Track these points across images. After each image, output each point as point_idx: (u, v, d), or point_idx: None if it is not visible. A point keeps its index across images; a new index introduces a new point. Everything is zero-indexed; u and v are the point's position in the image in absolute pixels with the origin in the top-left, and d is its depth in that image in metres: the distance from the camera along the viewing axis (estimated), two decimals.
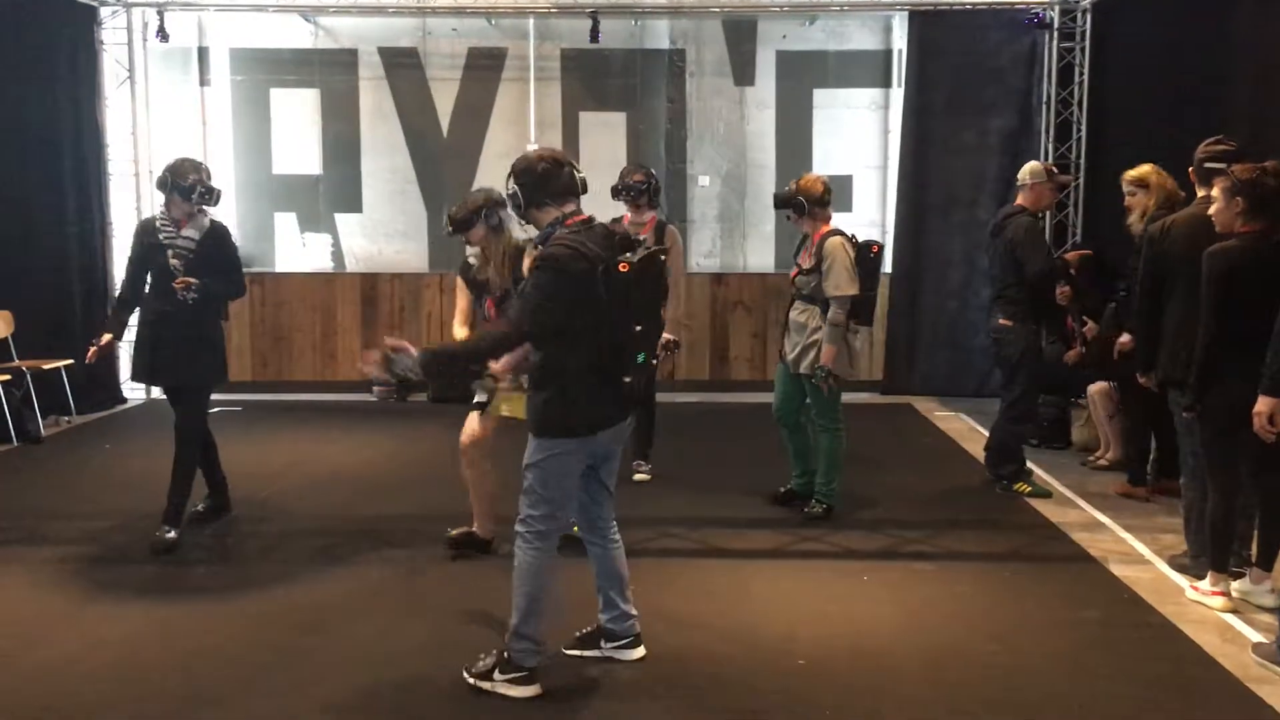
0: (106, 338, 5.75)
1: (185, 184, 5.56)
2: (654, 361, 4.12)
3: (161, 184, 5.64)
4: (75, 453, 8.00)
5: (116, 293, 5.56)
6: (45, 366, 8.44)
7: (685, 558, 5.58)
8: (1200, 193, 5.11)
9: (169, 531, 5.62)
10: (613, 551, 4.25)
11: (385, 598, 4.98)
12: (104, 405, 9.35)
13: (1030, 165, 6.74)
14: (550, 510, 3.92)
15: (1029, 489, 6.65)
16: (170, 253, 5.59)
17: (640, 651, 4.27)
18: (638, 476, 6.89)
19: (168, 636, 4.53)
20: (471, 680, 3.98)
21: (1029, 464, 6.88)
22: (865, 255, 5.96)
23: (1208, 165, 5.02)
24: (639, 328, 3.87)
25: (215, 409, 9.43)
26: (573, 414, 3.84)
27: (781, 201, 6.09)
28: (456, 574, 5.25)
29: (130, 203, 10.09)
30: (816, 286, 5.94)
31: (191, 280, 5.52)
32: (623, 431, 4.05)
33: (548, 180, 3.86)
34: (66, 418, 8.83)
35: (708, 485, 6.90)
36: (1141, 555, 5.60)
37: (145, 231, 5.71)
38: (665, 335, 6.45)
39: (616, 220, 6.62)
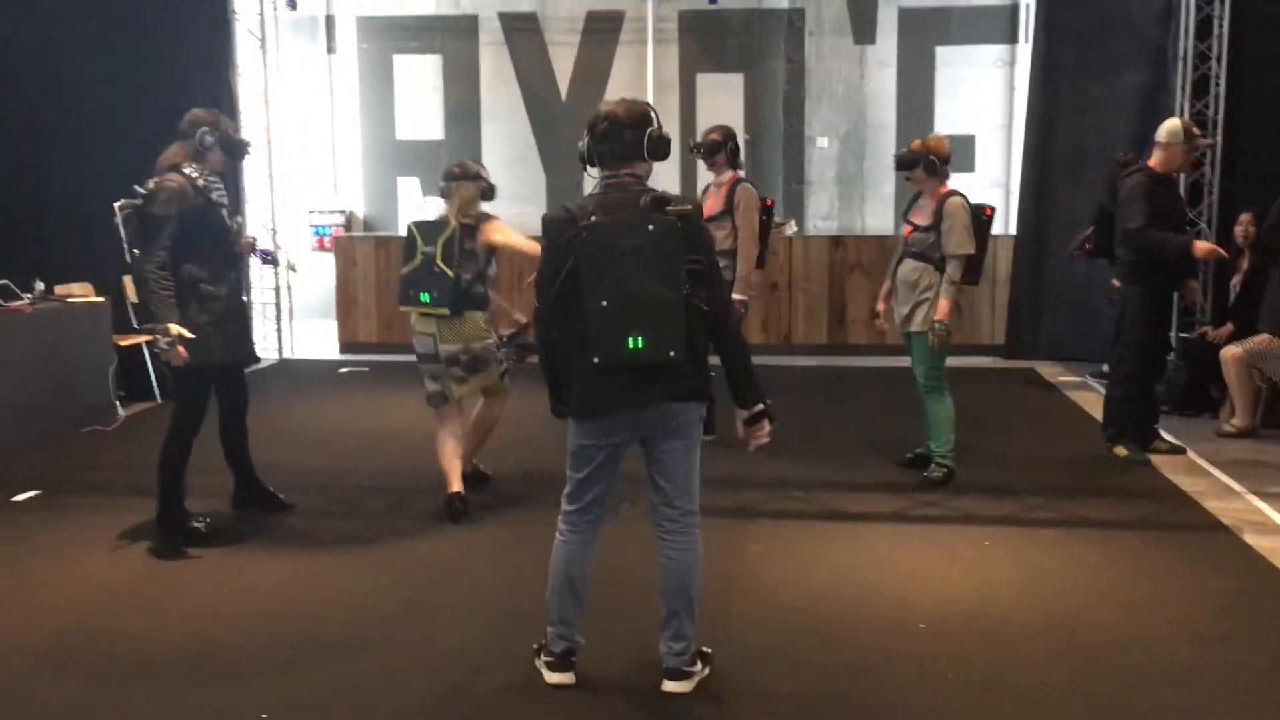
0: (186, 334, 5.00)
1: (242, 139, 5.34)
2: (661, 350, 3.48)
3: (202, 139, 5.09)
4: (213, 411, 8.32)
5: (153, 275, 4.87)
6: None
7: (804, 520, 5.60)
8: None
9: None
10: (663, 559, 3.73)
11: (509, 554, 5.11)
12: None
13: (1170, 123, 6.49)
14: (573, 493, 3.75)
15: (1126, 453, 6.49)
16: (226, 211, 5.22)
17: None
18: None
19: (302, 588, 4.72)
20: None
21: (1161, 430, 6.71)
22: (979, 216, 5.95)
23: None
24: (604, 304, 3.42)
25: (344, 369, 9.83)
26: (571, 396, 3.65)
27: (909, 162, 6.03)
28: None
29: (261, 169, 10.42)
30: (932, 244, 5.95)
31: (254, 236, 5.51)
32: (645, 419, 3.60)
33: (601, 140, 3.60)
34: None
35: (825, 449, 6.89)
36: (1277, 524, 5.42)
37: (184, 195, 4.96)
38: (735, 295, 6.49)
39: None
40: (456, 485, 5.64)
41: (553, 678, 3.79)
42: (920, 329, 5.99)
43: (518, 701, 3.72)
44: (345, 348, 10.53)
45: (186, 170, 5.03)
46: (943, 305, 5.89)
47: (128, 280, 8.43)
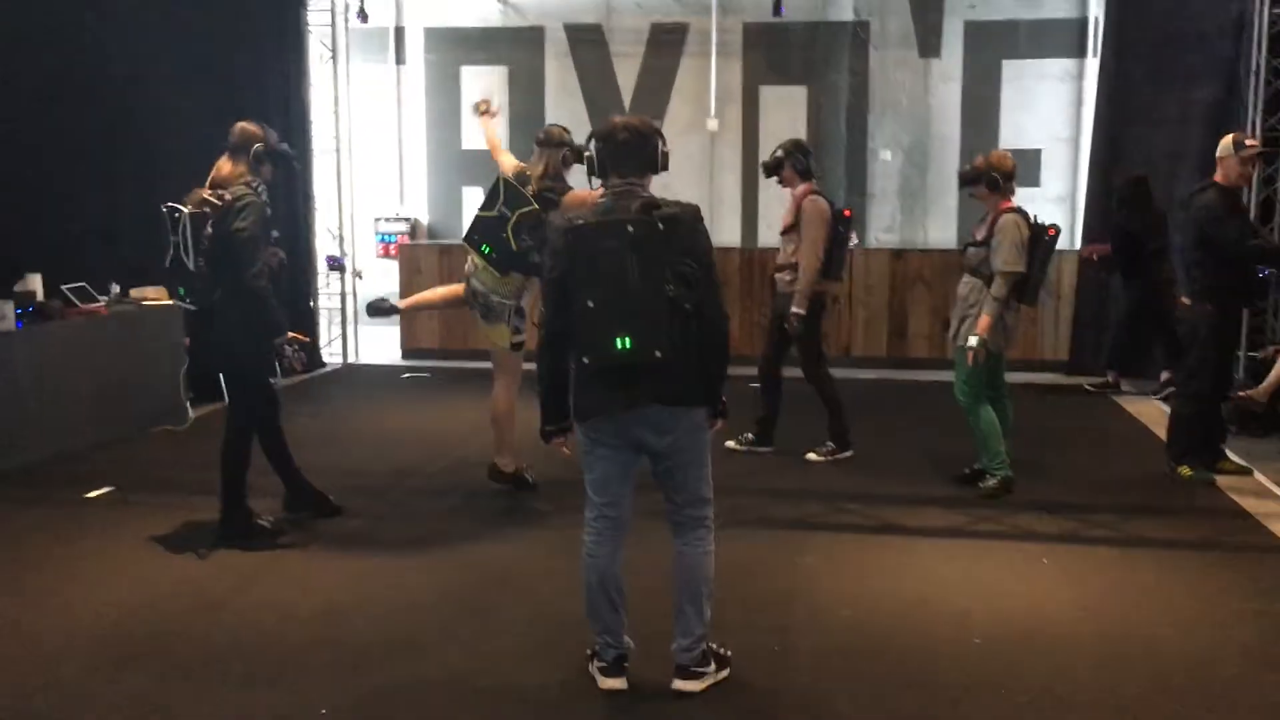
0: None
1: (276, 149, 5.35)
2: (656, 353, 3.52)
3: (258, 155, 5.23)
4: (283, 413, 8.50)
5: (266, 290, 5.15)
6: None
7: (860, 533, 5.60)
8: None
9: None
10: (675, 557, 3.83)
11: (563, 558, 5.15)
12: (306, 369, 9.91)
13: (1227, 138, 6.38)
14: (591, 499, 3.81)
15: (1191, 473, 6.37)
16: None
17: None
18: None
19: (363, 588, 4.82)
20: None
21: (1227, 451, 6.61)
22: (1041, 236, 5.91)
23: None
24: (590, 304, 3.50)
25: (406, 375, 9.97)
26: (574, 396, 3.73)
27: (970, 178, 6.04)
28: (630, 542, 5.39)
29: (330, 177, 10.61)
30: (984, 260, 5.96)
31: (280, 253, 5.61)
32: (634, 421, 3.63)
33: (621, 148, 3.68)
34: (273, 379, 9.37)
35: (883, 463, 6.87)
36: None
37: (265, 210, 5.22)
38: (793, 309, 6.51)
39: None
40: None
41: (606, 684, 3.85)
42: (961, 342, 6.01)
43: (571, 701, 3.78)
44: (408, 354, 10.68)
45: (256, 185, 5.19)
46: (983, 321, 5.87)
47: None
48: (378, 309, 6.44)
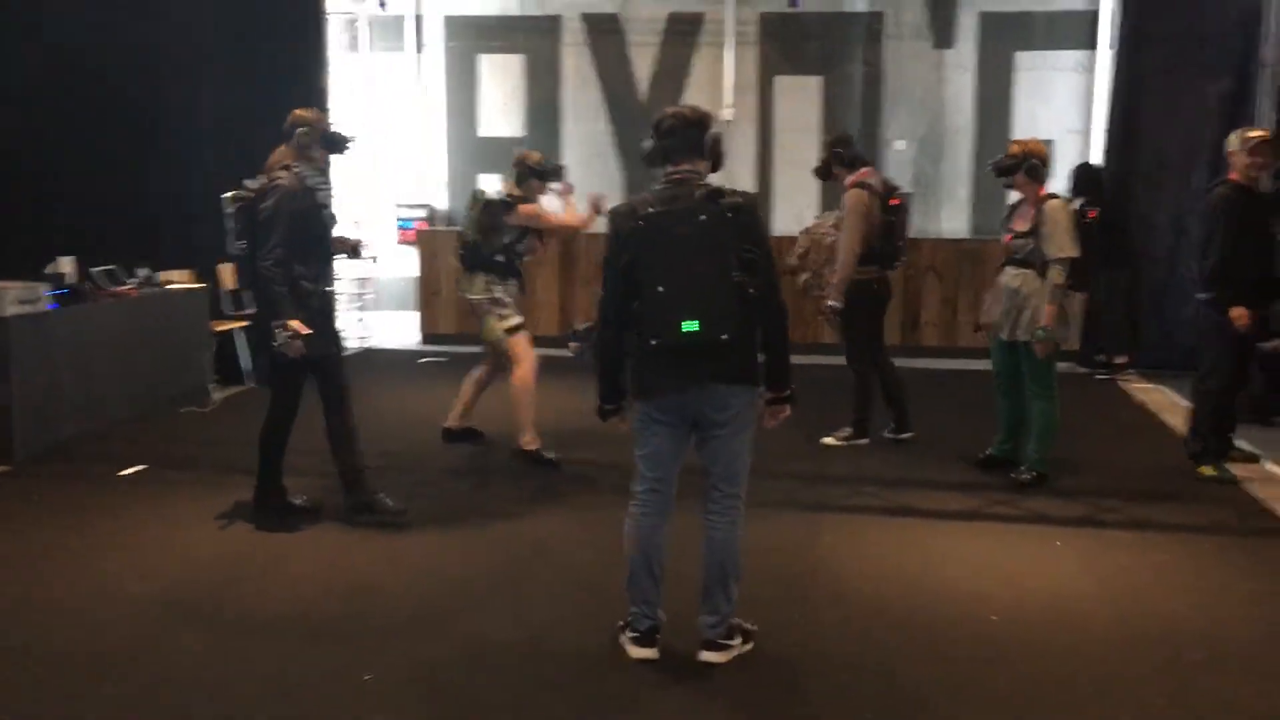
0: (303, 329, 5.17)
1: (341, 135, 5.37)
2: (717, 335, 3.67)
3: (299, 139, 5.23)
4: (303, 395, 8.63)
5: (273, 272, 5.07)
6: None
7: (877, 515, 5.72)
8: None
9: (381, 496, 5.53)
10: (706, 535, 3.97)
11: (590, 533, 5.30)
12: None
13: (1235, 133, 6.36)
14: (643, 473, 3.96)
15: (1211, 472, 6.32)
16: (328, 212, 5.42)
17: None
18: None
19: (394, 562, 4.96)
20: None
21: (1235, 439, 6.71)
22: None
23: None
24: (660, 289, 3.68)
25: (423, 359, 10.11)
26: (634, 375, 3.89)
27: (1010, 168, 5.94)
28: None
29: (349, 163, 10.71)
30: (1034, 250, 5.89)
31: (357, 238, 5.73)
32: (695, 399, 3.80)
33: (667, 136, 3.85)
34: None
35: (897, 447, 7.00)
36: None
37: (293, 195, 5.15)
38: (829, 302, 6.65)
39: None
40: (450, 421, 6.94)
41: (637, 653, 3.99)
42: (1025, 337, 5.96)
43: (603, 668, 3.92)
44: (427, 338, 10.82)
45: (296, 169, 5.23)
46: (1048, 310, 5.80)
47: (223, 268, 8.84)
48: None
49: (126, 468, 6.33)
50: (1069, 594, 4.66)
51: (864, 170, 6.82)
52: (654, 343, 3.72)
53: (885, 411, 7.11)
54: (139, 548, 5.10)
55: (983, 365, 8.90)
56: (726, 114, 10.82)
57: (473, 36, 11.25)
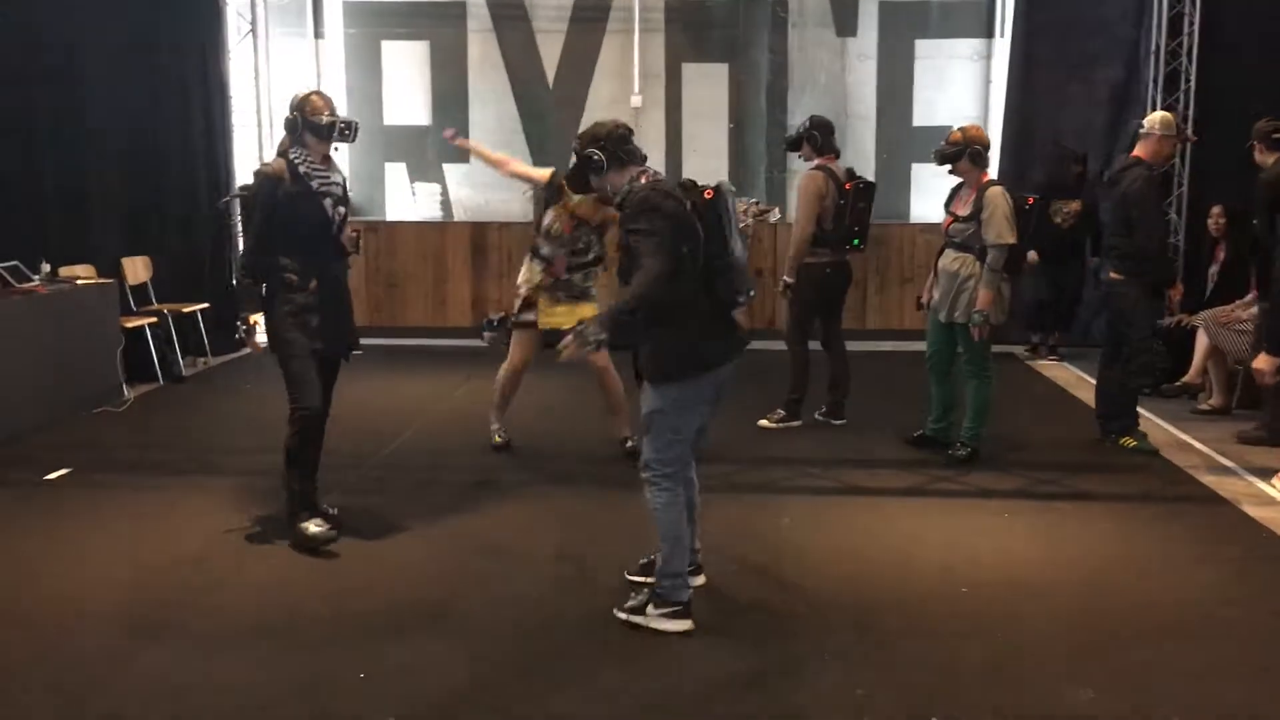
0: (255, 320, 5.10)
1: (322, 121, 4.91)
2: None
3: (293, 124, 4.93)
4: (219, 391, 8.41)
5: (240, 259, 5.02)
6: (185, 310, 8.85)
7: (826, 495, 5.83)
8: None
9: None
10: (687, 493, 4.31)
11: (554, 523, 5.28)
12: (236, 347, 9.73)
13: (1160, 115, 6.62)
14: (677, 452, 4.13)
15: (1135, 443, 6.59)
16: (329, 200, 4.97)
17: (700, 579, 4.43)
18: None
19: (364, 560, 4.85)
20: (624, 617, 4.14)
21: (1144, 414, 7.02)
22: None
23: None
24: (735, 252, 4.09)
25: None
26: (693, 353, 4.03)
27: (953, 155, 6.11)
28: (616, 503, 5.53)
29: (251, 152, 10.42)
30: (973, 234, 6.07)
31: (359, 229, 5.63)
32: (732, 373, 4.16)
33: (624, 143, 4.22)
34: (203, 359, 9.26)
35: (829, 429, 7.15)
36: (1273, 498, 5.77)
37: (279, 179, 4.86)
38: (784, 278, 6.83)
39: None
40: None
41: (680, 625, 4.09)
42: (962, 319, 6.14)
43: (587, 648, 3.95)
44: None
45: (291, 155, 4.93)
46: (984, 295, 5.99)
47: (129, 261, 8.52)
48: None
49: (49, 472, 6.04)
50: (1028, 563, 4.84)
51: (828, 157, 6.96)
52: (741, 300, 4.13)
53: (824, 395, 7.24)
54: (84, 556, 4.87)
55: (888, 347, 9.25)
56: (635, 101, 10.83)
57: (375, 23, 10.99)
